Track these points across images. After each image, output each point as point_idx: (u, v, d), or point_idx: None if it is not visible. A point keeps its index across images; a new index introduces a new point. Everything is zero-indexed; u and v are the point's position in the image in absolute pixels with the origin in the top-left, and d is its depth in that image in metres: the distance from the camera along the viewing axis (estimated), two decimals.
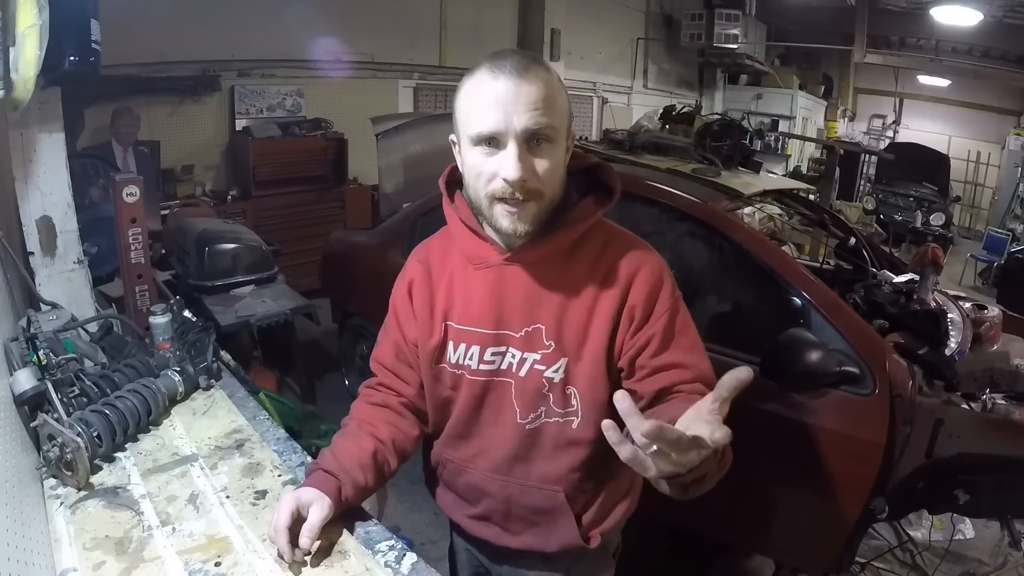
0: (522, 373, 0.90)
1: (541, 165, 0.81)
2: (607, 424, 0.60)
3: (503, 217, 0.83)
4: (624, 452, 0.60)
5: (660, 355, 0.86)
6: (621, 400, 0.59)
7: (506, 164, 0.79)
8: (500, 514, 0.99)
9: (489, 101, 0.78)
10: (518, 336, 0.90)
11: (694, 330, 0.91)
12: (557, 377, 0.89)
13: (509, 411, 0.92)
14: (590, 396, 0.89)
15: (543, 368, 0.89)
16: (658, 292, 0.88)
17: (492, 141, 0.79)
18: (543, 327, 0.88)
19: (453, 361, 0.94)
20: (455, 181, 0.96)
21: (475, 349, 0.92)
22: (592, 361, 0.88)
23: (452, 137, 0.89)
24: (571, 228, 0.88)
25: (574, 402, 0.90)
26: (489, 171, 0.81)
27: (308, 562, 0.83)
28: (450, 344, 0.94)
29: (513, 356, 0.90)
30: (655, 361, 0.86)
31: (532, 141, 0.79)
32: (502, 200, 0.81)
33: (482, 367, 0.92)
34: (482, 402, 0.94)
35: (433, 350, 0.95)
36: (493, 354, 0.91)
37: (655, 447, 0.58)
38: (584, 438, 0.91)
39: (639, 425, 0.57)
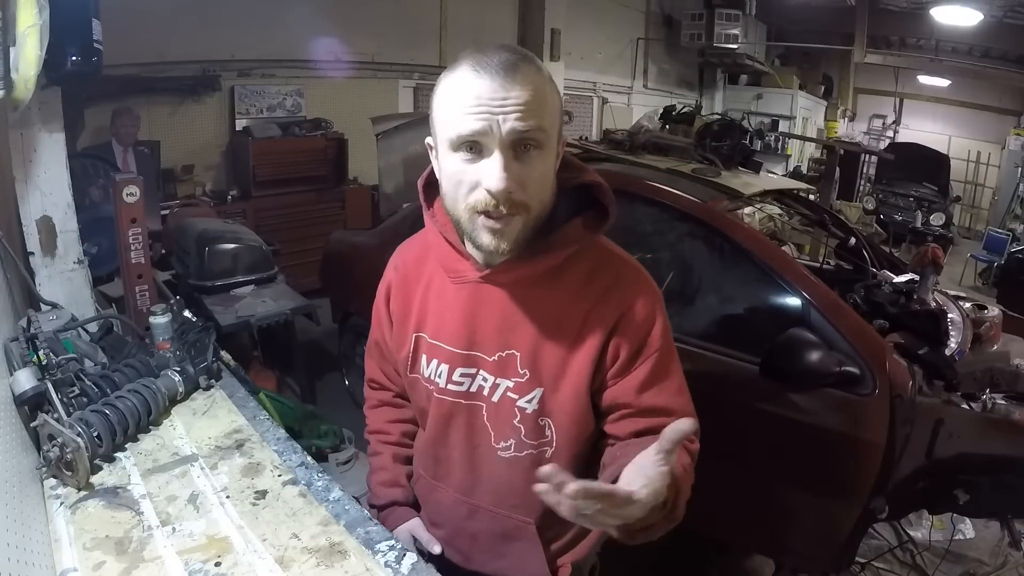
0: (495, 399, 0.85)
1: (528, 175, 0.72)
2: (541, 488, 0.56)
3: (484, 232, 0.74)
4: (564, 511, 0.57)
5: (644, 397, 0.81)
6: (542, 473, 0.56)
7: (490, 173, 0.70)
8: (466, 538, 0.95)
9: (471, 101, 0.69)
10: (491, 360, 0.84)
11: (680, 371, 0.85)
12: (530, 408, 0.83)
13: (482, 435, 0.88)
14: (566, 429, 0.84)
15: (516, 397, 0.84)
16: (649, 331, 0.81)
17: (474, 146, 0.71)
18: (517, 354, 0.83)
19: (426, 375, 0.90)
20: (434, 184, 0.85)
21: (444, 368, 0.88)
22: (571, 395, 0.82)
23: (428, 140, 0.81)
24: (553, 253, 0.80)
25: (548, 432, 0.85)
26: (470, 180, 0.72)
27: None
28: (423, 356, 0.90)
29: (485, 380, 0.85)
30: (639, 402, 0.81)
31: (519, 147, 0.71)
32: (484, 213, 0.73)
33: (450, 387, 0.87)
34: (449, 423, 0.90)
35: (405, 360, 0.92)
36: (462, 375, 0.86)
37: (594, 505, 0.57)
38: None
39: (563, 487, 0.55)
